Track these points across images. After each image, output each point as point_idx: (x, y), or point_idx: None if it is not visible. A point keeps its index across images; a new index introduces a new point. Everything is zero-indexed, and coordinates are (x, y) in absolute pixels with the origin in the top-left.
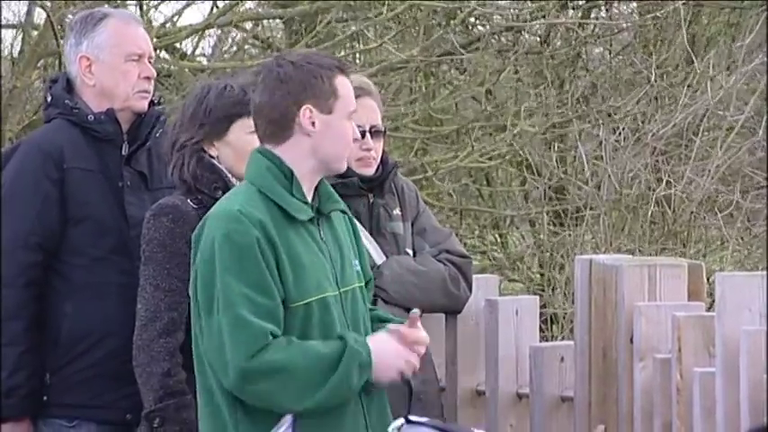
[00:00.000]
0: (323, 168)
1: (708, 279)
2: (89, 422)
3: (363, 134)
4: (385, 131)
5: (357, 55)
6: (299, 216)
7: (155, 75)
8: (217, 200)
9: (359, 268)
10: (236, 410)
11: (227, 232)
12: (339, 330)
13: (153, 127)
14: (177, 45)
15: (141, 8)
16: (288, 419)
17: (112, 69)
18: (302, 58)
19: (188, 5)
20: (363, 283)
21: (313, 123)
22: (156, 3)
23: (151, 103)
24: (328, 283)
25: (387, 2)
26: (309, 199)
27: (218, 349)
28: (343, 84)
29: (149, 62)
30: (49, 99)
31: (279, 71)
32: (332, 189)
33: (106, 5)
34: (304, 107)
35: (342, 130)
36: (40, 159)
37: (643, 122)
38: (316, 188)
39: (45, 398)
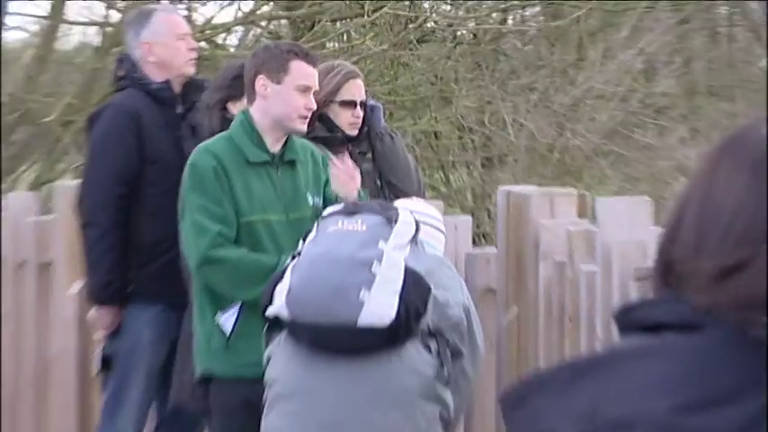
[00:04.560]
0: (279, 126)
1: (592, 205)
2: (158, 304)
3: (355, 105)
4: (365, 103)
5: (343, 48)
6: (252, 158)
7: (197, 46)
8: None
9: (314, 201)
10: (205, 292)
11: (193, 161)
12: (283, 246)
13: (197, 93)
14: (213, 38)
15: (189, 10)
16: (236, 306)
17: (168, 47)
18: (277, 45)
19: (222, 9)
20: (317, 213)
21: (265, 88)
22: (197, 5)
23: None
24: (273, 209)
25: (366, 9)
26: (276, 148)
27: (187, 244)
28: (299, 66)
29: (191, 38)
30: (121, 74)
31: (255, 51)
32: (298, 145)
33: (157, 3)
34: (259, 75)
35: (288, 97)
36: (122, 119)
37: (548, 92)
38: (286, 142)
39: (132, 287)
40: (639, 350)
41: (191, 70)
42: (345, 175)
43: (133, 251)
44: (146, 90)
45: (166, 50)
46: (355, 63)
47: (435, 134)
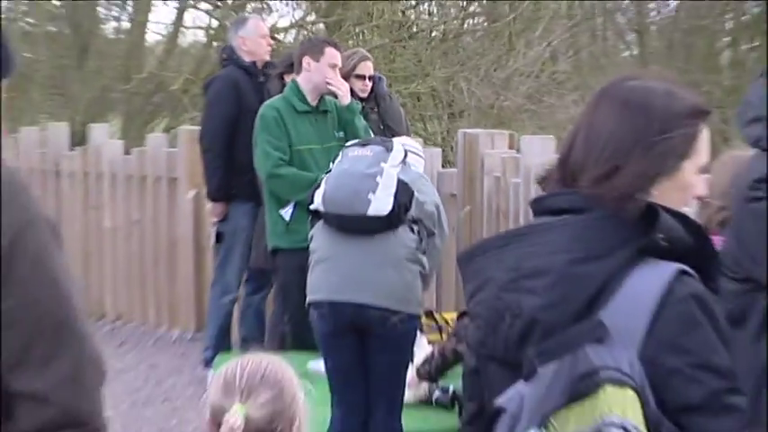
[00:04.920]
0: (316, 89)
1: (518, 141)
2: (250, 203)
3: (365, 78)
4: (373, 77)
5: (359, 42)
6: (298, 108)
7: (272, 42)
8: None
9: (338, 135)
10: (272, 195)
11: (262, 112)
12: (320, 166)
13: (270, 70)
14: (276, 36)
15: (263, 19)
16: (292, 203)
17: (255, 41)
18: (317, 37)
19: (281, 18)
20: (342, 143)
21: (309, 65)
22: (266, 17)
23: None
24: (313, 141)
25: (374, 17)
26: (314, 103)
27: (258, 164)
28: (330, 51)
29: (269, 37)
30: (225, 57)
31: (302, 41)
32: (328, 102)
33: (248, 14)
34: (305, 57)
35: (323, 70)
36: (226, 85)
37: (490, 71)
38: (321, 99)
39: (233, 191)
40: (547, 225)
41: (267, 56)
42: (337, 81)
43: (234, 168)
44: (241, 67)
45: (254, 43)
46: (368, 51)
47: (418, 97)
